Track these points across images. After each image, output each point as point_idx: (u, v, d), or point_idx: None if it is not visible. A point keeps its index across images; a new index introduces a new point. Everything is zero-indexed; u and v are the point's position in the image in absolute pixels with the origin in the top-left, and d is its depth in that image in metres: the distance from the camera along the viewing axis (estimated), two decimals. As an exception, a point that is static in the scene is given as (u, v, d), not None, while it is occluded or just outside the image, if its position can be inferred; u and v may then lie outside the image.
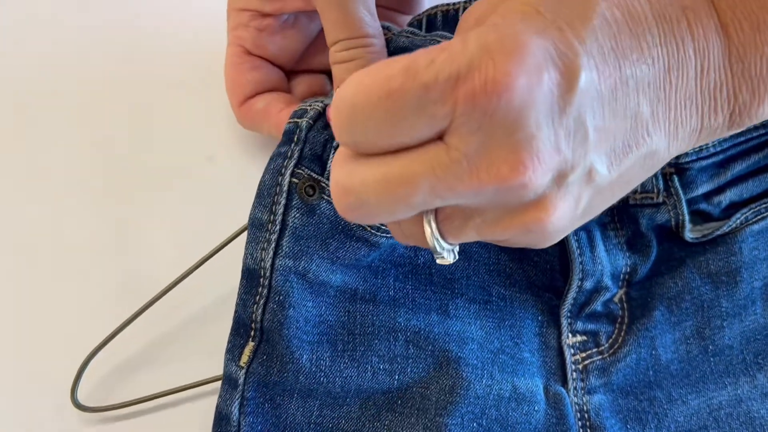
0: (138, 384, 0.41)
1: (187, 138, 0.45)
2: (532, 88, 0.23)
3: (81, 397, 0.39)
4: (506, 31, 0.24)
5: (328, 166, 0.37)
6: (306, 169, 0.36)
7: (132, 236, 0.43)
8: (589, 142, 0.25)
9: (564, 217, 0.27)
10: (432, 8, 0.40)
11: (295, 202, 0.36)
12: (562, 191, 0.26)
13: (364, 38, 0.35)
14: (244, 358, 0.36)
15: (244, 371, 0.36)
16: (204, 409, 0.39)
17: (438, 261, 0.29)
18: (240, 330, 0.36)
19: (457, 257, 0.29)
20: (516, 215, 0.26)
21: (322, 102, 0.37)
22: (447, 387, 0.36)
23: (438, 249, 0.28)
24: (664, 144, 0.27)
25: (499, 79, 0.23)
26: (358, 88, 0.24)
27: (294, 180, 0.36)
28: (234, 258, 0.37)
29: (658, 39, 0.26)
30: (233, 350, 0.36)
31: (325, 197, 0.36)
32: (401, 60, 0.24)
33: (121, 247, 0.43)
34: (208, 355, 0.39)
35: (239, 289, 0.36)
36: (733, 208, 0.41)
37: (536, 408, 0.37)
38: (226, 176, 0.44)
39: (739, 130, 0.29)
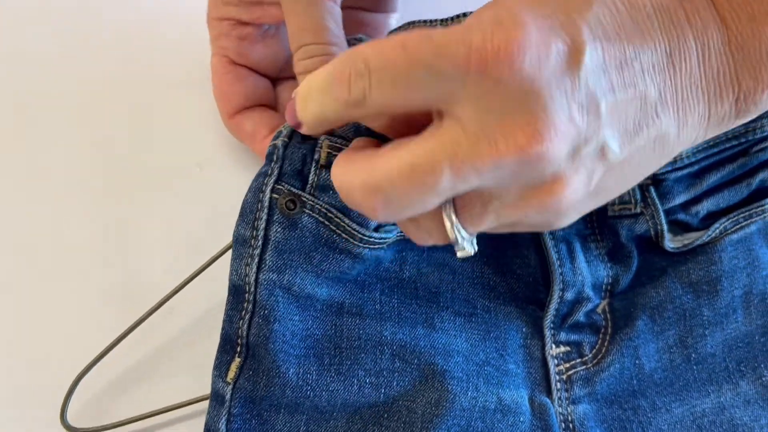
0: (129, 402, 0.41)
1: (184, 141, 0.46)
2: (541, 58, 0.25)
3: (71, 417, 0.39)
4: (516, 10, 0.26)
5: (309, 179, 0.37)
6: (286, 185, 0.37)
7: (122, 245, 0.44)
8: (602, 117, 0.27)
9: (578, 191, 0.28)
10: (410, 23, 0.40)
11: (276, 217, 0.36)
12: (576, 165, 0.27)
13: (326, 45, 0.36)
14: (231, 374, 0.36)
15: (230, 387, 0.36)
16: (195, 428, 0.39)
17: (459, 254, 0.29)
18: (227, 346, 0.36)
19: (476, 249, 0.30)
20: (533, 193, 0.27)
21: None
22: (433, 400, 0.36)
23: (459, 240, 0.29)
24: (674, 128, 0.29)
25: (511, 48, 0.25)
26: (377, 49, 0.26)
27: (274, 196, 0.36)
28: (225, 272, 0.37)
29: (659, 27, 0.28)
30: (220, 366, 0.36)
31: (306, 211, 0.37)
32: (418, 30, 0.26)
33: (112, 256, 0.43)
34: (199, 373, 0.39)
35: (226, 305, 0.36)
36: (712, 218, 0.41)
37: (521, 419, 0.37)
38: (221, 182, 0.45)
39: (746, 120, 0.30)
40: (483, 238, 0.41)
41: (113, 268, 0.43)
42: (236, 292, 0.36)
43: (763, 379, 0.40)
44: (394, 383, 0.37)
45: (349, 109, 0.28)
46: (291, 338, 0.36)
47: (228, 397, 0.36)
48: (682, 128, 0.29)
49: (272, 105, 0.44)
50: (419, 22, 0.40)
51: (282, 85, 0.44)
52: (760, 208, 0.41)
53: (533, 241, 0.41)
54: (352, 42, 0.39)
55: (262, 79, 0.43)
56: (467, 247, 0.29)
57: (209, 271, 0.40)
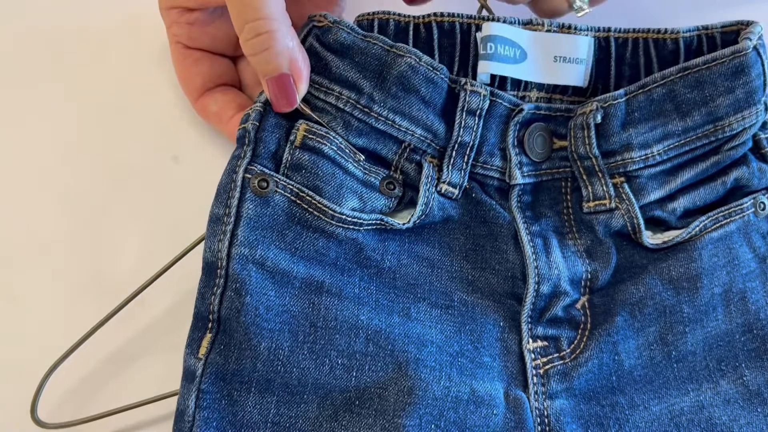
0: (103, 396, 0.41)
1: (159, 135, 0.46)
2: None
3: (42, 412, 0.39)
4: None
5: (283, 160, 0.38)
6: (258, 166, 0.38)
7: (96, 238, 0.44)
8: None
9: None
10: (385, 13, 0.41)
11: (248, 195, 0.37)
12: None
13: (270, 20, 0.36)
14: (202, 350, 0.36)
15: (202, 363, 0.36)
16: (168, 423, 0.39)
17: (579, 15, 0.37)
18: (198, 323, 0.36)
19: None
20: None
21: (260, 102, 0.39)
22: (405, 388, 0.36)
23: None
24: None
25: None
26: None
27: (247, 176, 0.37)
28: (199, 264, 0.38)
29: None
30: (192, 344, 0.36)
31: (278, 190, 0.37)
32: None
33: (87, 248, 0.44)
34: (175, 364, 0.38)
35: (199, 284, 0.36)
36: (690, 215, 0.42)
37: (495, 411, 0.37)
38: (196, 175, 0.45)
39: None
40: (462, 235, 0.41)
41: (87, 260, 0.43)
42: (209, 269, 0.37)
43: (744, 378, 0.40)
44: (366, 367, 0.37)
45: None
46: (265, 312, 0.36)
47: (199, 372, 0.36)
48: None
49: (236, 83, 0.45)
50: (399, 14, 0.41)
51: (242, 61, 0.45)
52: (739, 208, 0.41)
53: (512, 237, 0.41)
54: (316, 19, 0.39)
55: (220, 59, 0.44)
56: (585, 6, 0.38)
57: (184, 262, 0.40)
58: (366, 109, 0.39)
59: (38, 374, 0.39)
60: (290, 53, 0.37)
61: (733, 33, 0.42)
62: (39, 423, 0.39)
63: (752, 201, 0.42)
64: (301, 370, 0.36)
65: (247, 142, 0.38)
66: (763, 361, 0.40)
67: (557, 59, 0.41)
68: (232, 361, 0.36)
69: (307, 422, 0.36)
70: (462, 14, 0.41)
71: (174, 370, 0.38)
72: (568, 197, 0.42)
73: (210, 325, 0.36)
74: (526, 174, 0.41)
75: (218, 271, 0.36)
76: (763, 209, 0.42)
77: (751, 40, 0.40)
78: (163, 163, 0.45)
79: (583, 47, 0.42)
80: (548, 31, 0.42)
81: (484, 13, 0.44)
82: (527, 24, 0.42)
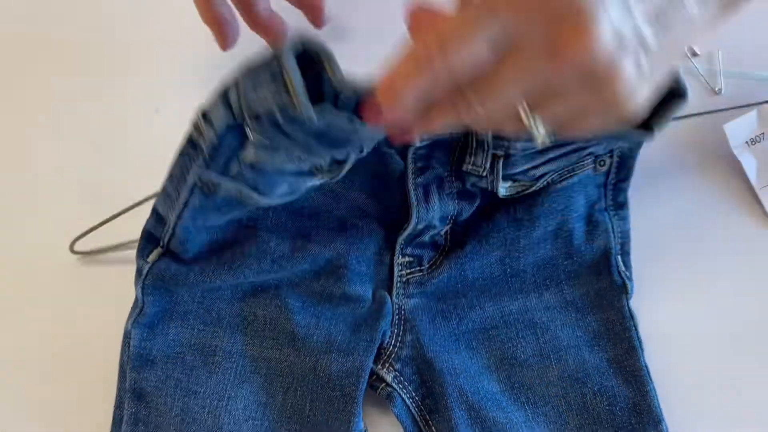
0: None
1: (141, 87, 0.57)
2: None
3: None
4: None
5: (230, 168, 0.45)
6: (209, 176, 0.45)
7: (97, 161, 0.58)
8: (633, 11, 0.33)
9: (631, 77, 0.33)
10: None
11: (196, 192, 0.46)
12: (622, 53, 0.33)
13: None
14: (152, 257, 0.50)
15: (149, 266, 0.49)
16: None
17: (538, 142, 0.36)
18: (151, 239, 0.50)
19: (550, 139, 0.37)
20: (592, 89, 0.34)
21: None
22: (294, 283, 0.51)
23: (535, 127, 0.36)
24: (696, 9, 0.35)
25: None
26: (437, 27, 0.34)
27: (199, 183, 0.45)
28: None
29: None
30: (143, 250, 0.50)
31: (221, 192, 0.45)
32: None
33: (89, 170, 0.57)
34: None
35: (148, 224, 0.49)
36: (543, 177, 0.52)
37: (361, 305, 0.51)
38: (178, 125, 0.47)
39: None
40: (364, 175, 0.52)
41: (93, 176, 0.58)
42: (156, 218, 0.48)
43: (563, 292, 0.53)
44: (269, 278, 0.52)
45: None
46: (199, 246, 0.49)
47: (145, 271, 0.49)
48: (703, 8, 0.35)
49: None
50: None
51: None
52: (580, 164, 0.52)
53: (401, 183, 0.52)
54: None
55: None
56: (541, 135, 0.36)
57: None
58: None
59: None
60: None
61: None
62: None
63: (593, 159, 0.52)
64: (222, 280, 0.50)
65: (198, 149, 0.44)
66: (579, 279, 0.53)
67: None
68: (171, 270, 0.49)
69: (224, 302, 0.50)
70: None
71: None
72: (456, 154, 0.51)
73: (160, 245, 0.49)
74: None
75: (167, 225, 0.48)
76: (602, 165, 0.53)
77: None
78: (148, 115, 0.58)
79: None
80: None
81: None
82: None
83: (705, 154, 0.59)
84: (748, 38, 0.61)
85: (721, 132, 0.57)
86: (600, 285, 0.53)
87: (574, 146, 0.50)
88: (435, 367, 0.50)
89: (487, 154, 0.50)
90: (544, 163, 0.51)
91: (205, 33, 0.56)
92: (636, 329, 0.51)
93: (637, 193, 0.55)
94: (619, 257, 0.53)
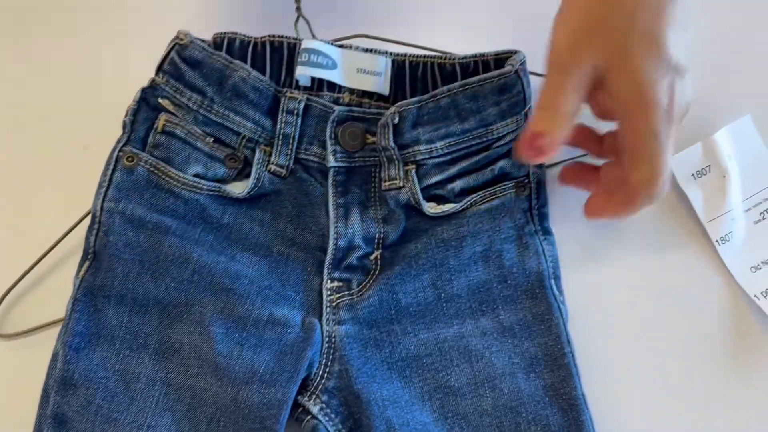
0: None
1: (71, 125, 0.58)
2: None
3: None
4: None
5: (149, 141, 0.53)
6: (129, 147, 0.52)
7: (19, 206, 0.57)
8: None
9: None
10: (234, 33, 0.54)
11: (119, 167, 0.52)
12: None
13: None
14: (82, 272, 0.51)
15: (79, 280, 0.50)
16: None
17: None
18: (83, 256, 0.51)
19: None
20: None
21: (135, 101, 0.53)
22: (218, 308, 0.50)
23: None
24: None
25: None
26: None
27: (120, 154, 0.52)
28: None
29: None
30: (78, 270, 0.51)
31: (141, 163, 0.52)
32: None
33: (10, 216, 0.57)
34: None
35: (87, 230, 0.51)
36: (466, 194, 0.53)
37: (289, 331, 0.50)
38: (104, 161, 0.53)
39: None
40: (289, 203, 0.54)
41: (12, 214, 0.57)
42: (91, 218, 0.51)
43: (500, 317, 0.51)
44: (192, 290, 0.50)
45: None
46: (123, 247, 0.50)
47: (76, 286, 0.50)
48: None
49: None
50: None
51: None
52: (502, 188, 0.53)
53: (324, 205, 0.53)
54: (179, 36, 0.53)
55: None
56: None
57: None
58: (208, 108, 0.53)
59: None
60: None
61: (502, 60, 0.54)
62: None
63: (513, 184, 0.53)
64: (145, 289, 0.50)
65: (124, 130, 0.53)
66: (516, 304, 0.51)
67: (359, 71, 0.54)
68: (98, 280, 0.50)
69: (150, 328, 0.50)
70: (290, 36, 0.55)
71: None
72: (376, 179, 0.54)
73: (89, 256, 0.51)
74: (339, 159, 0.53)
75: (95, 218, 0.51)
76: (523, 190, 0.53)
77: (513, 65, 0.52)
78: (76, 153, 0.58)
79: (380, 64, 0.54)
80: (355, 49, 0.54)
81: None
82: (339, 45, 0.54)
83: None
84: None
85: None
86: (537, 309, 0.51)
87: (479, 157, 0.53)
88: (362, 399, 0.49)
89: (398, 165, 0.53)
90: (458, 176, 0.53)
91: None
92: (573, 356, 0.50)
93: (580, 225, 0.55)
94: (552, 281, 0.52)
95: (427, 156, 0.53)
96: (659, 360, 0.53)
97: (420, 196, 0.52)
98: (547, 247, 0.53)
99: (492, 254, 0.52)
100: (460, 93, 0.52)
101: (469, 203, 0.52)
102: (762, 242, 0.56)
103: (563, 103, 0.46)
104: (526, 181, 0.53)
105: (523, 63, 0.53)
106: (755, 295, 0.54)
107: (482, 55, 0.54)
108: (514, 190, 0.53)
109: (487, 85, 0.52)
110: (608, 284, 0.55)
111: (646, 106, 0.44)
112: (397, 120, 0.52)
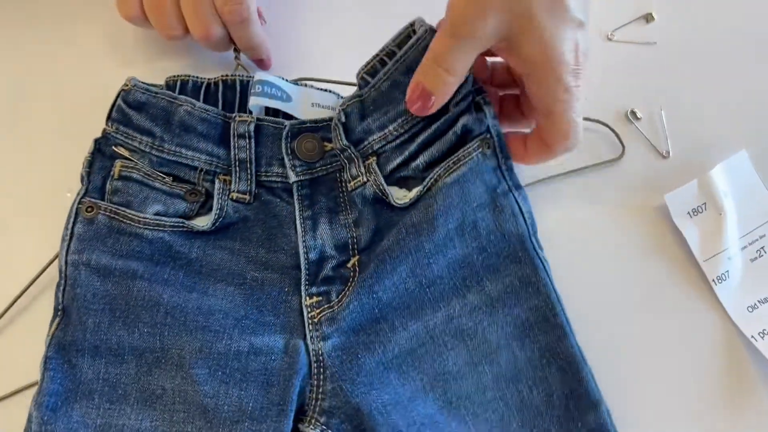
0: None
1: (55, 168, 0.57)
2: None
3: None
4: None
5: (106, 189, 0.51)
6: (88, 198, 0.51)
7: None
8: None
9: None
10: (187, 76, 0.53)
11: (79, 218, 0.50)
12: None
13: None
14: (52, 329, 0.49)
15: (49, 337, 0.49)
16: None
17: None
18: (54, 313, 0.49)
19: None
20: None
21: (89, 153, 0.52)
22: (196, 348, 0.48)
23: None
24: None
25: None
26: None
27: (79, 206, 0.51)
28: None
29: None
30: (49, 329, 0.49)
31: (101, 212, 0.50)
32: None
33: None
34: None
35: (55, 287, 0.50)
36: (434, 166, 0.50)
37: (273, 358, 0.48)
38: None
39: None
40: (259, 228, 0.52)
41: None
42: (59, 273, 0.50)
43: (486, 289, 0.49)
44: (166, 333, 0.49)
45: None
46: (91, 297, 0.49)
47: (46, 345, 0.48)
48: None
49: None
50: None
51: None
52: (466, 152, 0.50)
53: (293, 222, 0.52)
54: (123, 84, 0.52)
55: None
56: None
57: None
58: (159, 148, 0.52)
59: None
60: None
61: (410, 32, 0.52)
62: None
63: (478, 143, 0.50)
64: (119, 337, 0.48)
65: (82, 182, 0.51)
66: (500, 272, 0.49)
67: (314, 105, 0.54)
68: (68, 335, 0.48)
69: (129, 377, 0.48)
70: (243, 75, 0.54)
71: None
72: (342, 184, 0.53)
73: (58, 312, 0.49)
74: (300, 173, 0.52)
75: (61, 273, 0.49)
76: (488, 147, 0.50)
77: (424, 26, 0.50)
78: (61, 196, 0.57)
79: (332, 99, 0.54)
80: (309, 86, 0.54)
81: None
82: (293, 82, 0.54)
83: (649, 222, 0.57)
84: (687, 95, 0.61)
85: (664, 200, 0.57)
86: (522, 272, 0.49)
87: (441, 121, 0.50)
88: (363, 411, 0.47)
89: (359, 162, 0.52)
90: (420, 151, 0.51)
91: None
92: (564, 312, 0.48)
93: (582, 260, 0.55)
94: (534, 238, 0.50)
95: (383, 143, 0.51)
96: (655, 401, 0.52)
97: (384, 185, 0.51)
98: (522, 203, 0.50)
99: (466, 227, 0.50)
100: (395, 71, 0.51)
101: (433, 179, 0.50)
102: (759, 281, 0.55)
103: (456, 66, 0.47)
104: (488, 135, 0.51)
105: (424, 23, 0.51)
106: (752, 336, 0.53)
107: (393, 40, 0.52)
108: (480, 149, 0.50)
109: (412, 52, 0.50)
110: (602, 323, 0.54)
111: (557, 64, 0.45)
112: (343, 118, 0.51)
